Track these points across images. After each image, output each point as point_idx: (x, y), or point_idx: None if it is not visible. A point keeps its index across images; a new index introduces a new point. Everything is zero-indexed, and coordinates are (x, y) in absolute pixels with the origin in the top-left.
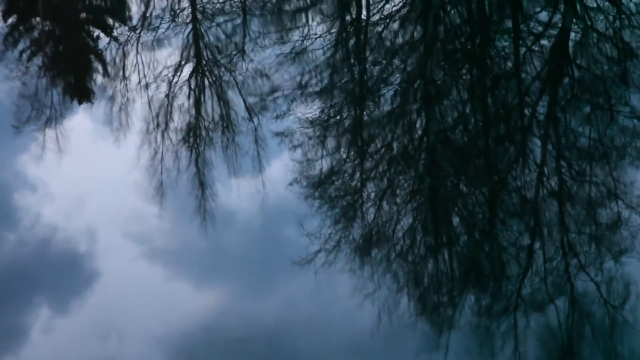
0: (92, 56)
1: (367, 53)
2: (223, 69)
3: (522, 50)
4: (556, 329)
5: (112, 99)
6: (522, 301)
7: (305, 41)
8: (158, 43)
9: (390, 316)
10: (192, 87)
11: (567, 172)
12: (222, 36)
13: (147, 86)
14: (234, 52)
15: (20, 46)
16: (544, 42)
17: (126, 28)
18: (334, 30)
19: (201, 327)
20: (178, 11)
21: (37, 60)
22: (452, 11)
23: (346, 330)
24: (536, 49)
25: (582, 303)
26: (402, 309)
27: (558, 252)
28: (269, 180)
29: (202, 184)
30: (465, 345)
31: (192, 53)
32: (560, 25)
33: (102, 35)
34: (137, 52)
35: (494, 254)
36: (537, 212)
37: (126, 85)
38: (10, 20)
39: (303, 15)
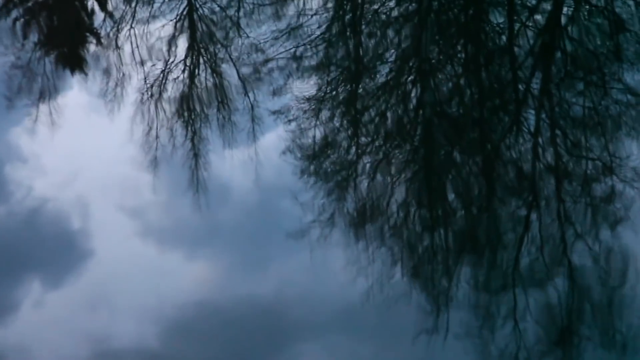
0: (86, 29)
1: (363, 28)
2: (219, 45)
3: (516, 24)
4: (555, 302)
5: (106, 72)
6: (518, 274)
7: (300, 17)
8: (153, 17)
9: (385, 289)
10: (187, 62)
11: (564, 144)
12: (218, 11)
13: (142, 61)
14: (230, 27)
15: (14, 16)
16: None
17: (122, 1)
18: (329, 4)
19: (194, 300)
20: None
21: (31, 32)
22: None
23: (341, 304)
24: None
25: (579, 275)
26: (398, 282)
27: (555, 224)
28: (264, 154)
29: (196, 157)
30: (461, 319)
31: (187, 27)
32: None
33: (97, 7)
34: (132, 27)
35: (490, 227)
36: (535, 184)
37: (121, 59)
38: None
39: None
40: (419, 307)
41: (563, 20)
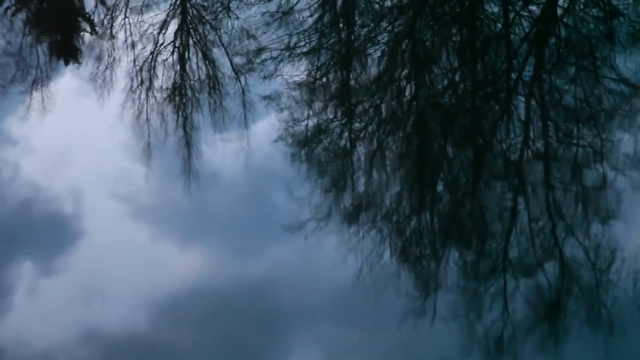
0: (77, 14)
1: (356, 13)
2: (209, 27)
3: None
4: (545, 288)
5: (97, 58)
6: (509, 262)
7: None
8: (145, 2)
9: (377, 275)
10: (178, 47)
11: (556, 134)
12: None
13: (132, 45)
14: (220, 10)
15: (6, 3)
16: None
17: None
18: None
19: (187, 287)
20: None
21: (22, 18)
22: None
23: (333, 289)
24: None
25: (567, 260)
26: (389, 267)
27: (545, 213)
28: (256, 141)
29: (188, 144)
30: (452, 306)
31: (178, 12)
32: None
33: None
34: (124, 12)
35: (482, 216)
36: (524, 174)
37: (113, 44)
38: None
39: None
40: (412, 293)
41: (558, 9)
